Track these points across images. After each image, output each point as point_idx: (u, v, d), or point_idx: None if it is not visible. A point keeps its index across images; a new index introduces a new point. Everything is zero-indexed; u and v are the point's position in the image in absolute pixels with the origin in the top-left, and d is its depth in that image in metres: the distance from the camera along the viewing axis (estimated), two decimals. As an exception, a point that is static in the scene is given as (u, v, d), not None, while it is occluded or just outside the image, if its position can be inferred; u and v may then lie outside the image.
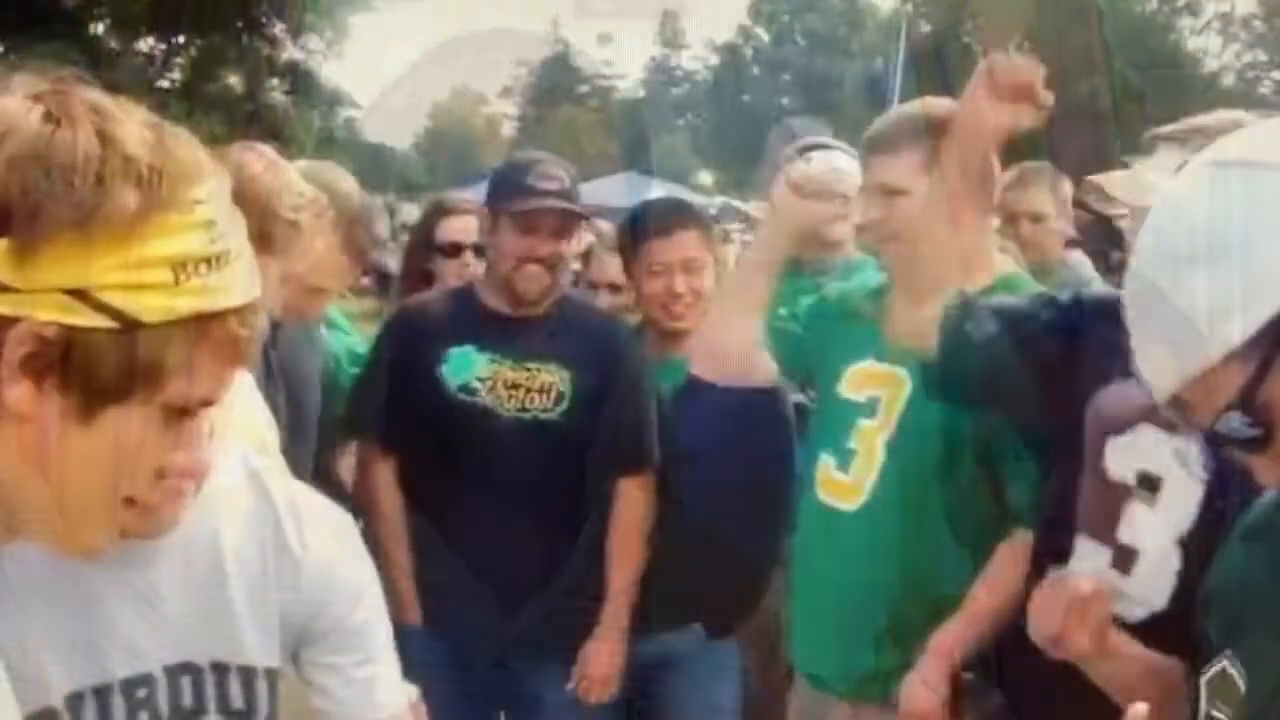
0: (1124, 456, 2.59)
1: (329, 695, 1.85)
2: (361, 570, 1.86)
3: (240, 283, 1.44)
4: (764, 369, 3.34)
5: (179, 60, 26.72)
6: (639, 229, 3.97)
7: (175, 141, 1.41)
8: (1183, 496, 2.52)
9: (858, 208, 3.94)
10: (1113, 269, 6.75)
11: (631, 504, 3.81)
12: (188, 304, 1.38)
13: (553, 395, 3.75)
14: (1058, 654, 1.95)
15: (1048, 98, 2.61)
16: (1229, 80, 61.48)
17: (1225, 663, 1.55)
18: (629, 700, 3.90)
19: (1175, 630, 2.11)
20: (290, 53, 27.23)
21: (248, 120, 25.59)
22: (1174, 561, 2.52)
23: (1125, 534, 2.60)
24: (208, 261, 1.39)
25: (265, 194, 2.81)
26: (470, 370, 3.75)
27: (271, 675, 1.78)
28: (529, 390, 3.74)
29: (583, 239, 5.24)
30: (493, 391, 3.73)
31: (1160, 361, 1.42)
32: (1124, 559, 2.59)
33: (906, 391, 3.15)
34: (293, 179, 2.95)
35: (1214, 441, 1.41)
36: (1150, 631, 2.21)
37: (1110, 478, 2.61)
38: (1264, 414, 1.34)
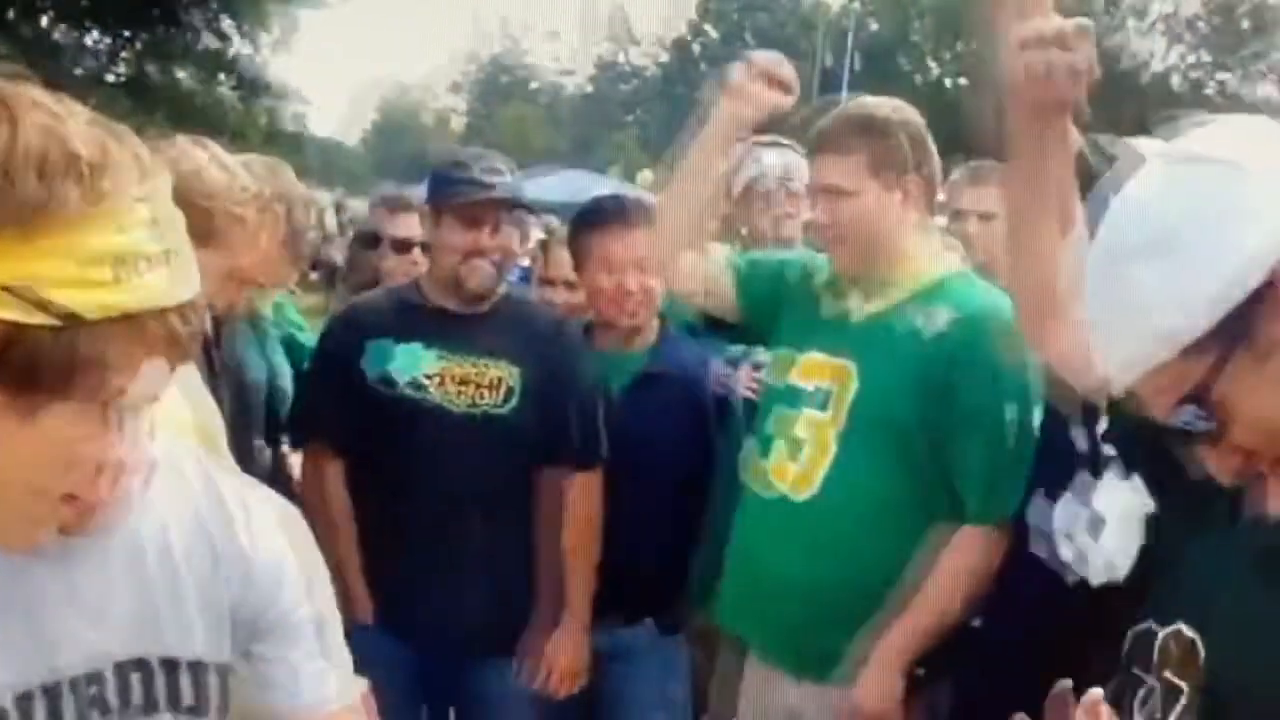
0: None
1: (280, 689, 1.84)
2: (311, 564, 1.86)
3: (181, 280, 1.45)
4: (692, 277, 3.43)
5: (125, 55, 26.50)
6: (589, 226, 3.97)
7: (117, 139, 1.42)
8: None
9: (806, 206, 3.97)
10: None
11: (584, 499, 3.82)
12: (128, 301, 1.39)
13: (502, 391, 3.74)
14: None
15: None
16: (1176, 81, 61.93)
17: (1182, 627, 1.56)
18: (580, 694, 3.90)
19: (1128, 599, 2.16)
20: (238, 47, 27.06)
21: (195, 115, 25.43)
22: (1137, 537, 2.57)
23: (1099, 501, 2.68)
24: (149, 259, 1.40)
25: (210, 188, 2.80)
26: (418, 367, 3.74)
27: (222, 671, 1.77)
28: (479, 386, 3.74)
29: (531, 235, 5.23)
30: (441, 387, 3.72)
31: (1117, 355, 1.43)
32: (1093, 525, 2.68)
33: (855, 385, 3.17)
34: (237, 173, 2.94)
35: (1169, 434, 1.41)
36: (1106, 595, 2.24)
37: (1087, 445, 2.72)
38: (1218, 408, 1.36)
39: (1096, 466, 2.84)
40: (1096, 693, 1.36)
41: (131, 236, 1.39)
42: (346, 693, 1.89)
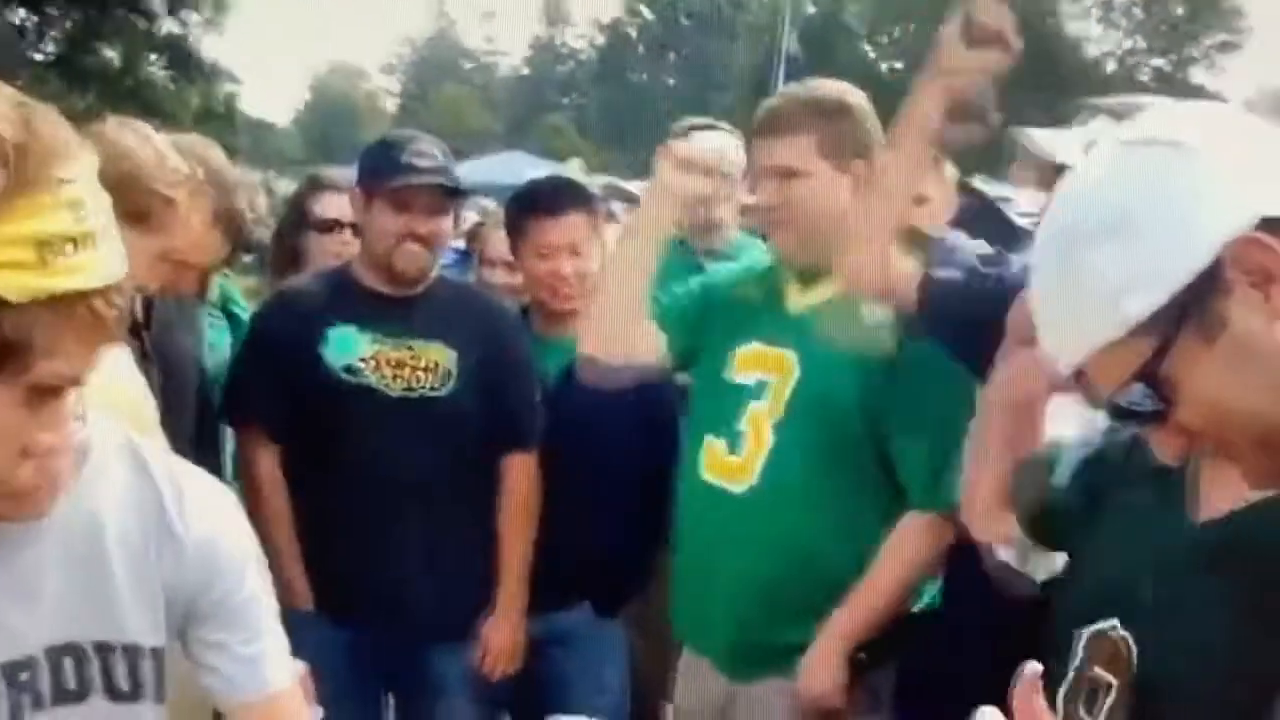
0: None
1: (217, 673, 1.84)
2: (245, 546, 1.85)
3: (107, 262, 1.44)
4: (650, 346, 3.33)
5: (54, 34, 26.27)
6: (525, 209, 3.96)
7: (42, 120, 1.41)
8: None
9: (745, 189, 3.96)
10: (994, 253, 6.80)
11: (520, 482, 3.82)
12: (54, 284, 1.38)
13: (439, 374, 3.73)
14: None
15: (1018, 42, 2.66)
16: (1110, 66, 62.37)
17: (1113, 625, 1.59)
18: (516, 678, 3.91)
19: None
20: (168, 26, 26.85)
21: (125, 95, 25.19)
22: None
23: None
24: (74, 241, 1.39)
25: (141, 170, 2.78)
26: (353, 351, 3.71)
27: (157, 655, 1.76)
28: (414, 369, 3.73)
29: (465, 217, 5.21)
30: (377, 371, 3.70)
31: (1065, 334, 1.44)
32: None
33: (795, 374, 3.17)
34: (169, 155, 2.91)
35: (1116, 414, 1.42)
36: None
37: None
38: (1165, 388, 1.36)
39: None
40: (1035, 667, 1.36)
41: (56, 218, 1.38)
42: (283, 676, 1.88)
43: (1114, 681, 1.71)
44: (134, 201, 2.65)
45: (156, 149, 2.88)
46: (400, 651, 3.78)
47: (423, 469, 3.70)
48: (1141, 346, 1.36)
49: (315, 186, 4.66)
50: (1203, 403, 1.35)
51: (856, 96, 3.25)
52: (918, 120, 2.74)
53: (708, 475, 3.24)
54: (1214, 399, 1.34)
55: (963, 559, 3.03)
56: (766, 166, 3.24)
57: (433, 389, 3.73)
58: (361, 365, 3.70)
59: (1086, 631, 1.61)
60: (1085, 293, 1.38)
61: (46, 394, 1.45)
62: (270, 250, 4.63)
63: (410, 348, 3.73)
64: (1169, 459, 1.52)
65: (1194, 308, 1.33)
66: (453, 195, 3.83)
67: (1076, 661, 1.67)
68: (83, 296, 1.41)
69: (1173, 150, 1.36)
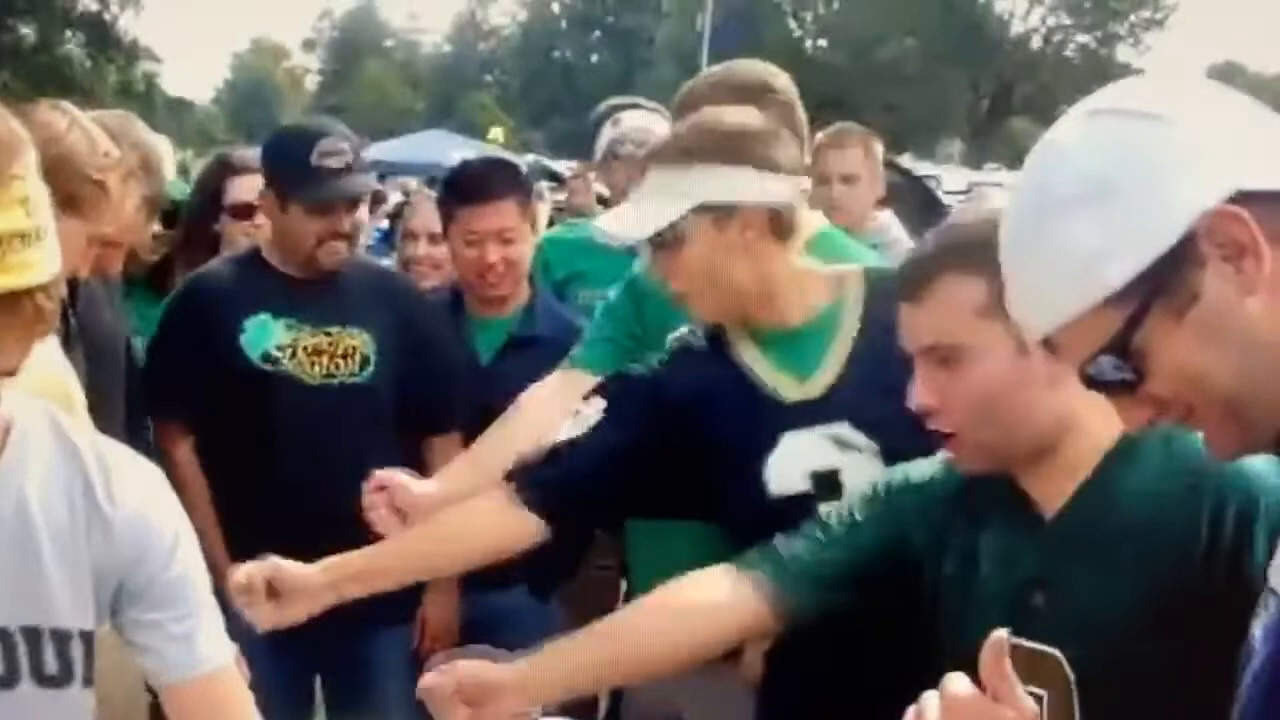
0: (784, 470, 2.59)
1: (152, 653, 1.82)
2: (174, 522, 1.84)
3: (50, 257, 1.43)
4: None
5: (-34, 11, 25.89)
6: (453, 194, 3.92)
7: None
8: (866, 473, 2.49)
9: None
10: (922, 228, 6.82)
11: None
12: (4, 281, 1.38)
13: (357, 359, 3.71)
14: None
15: None
16: (1036, 43, 62.98)
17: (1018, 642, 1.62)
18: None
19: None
20: (86, 3, 26.57)
21: (41, 72, 24.91)
22: None
23: None
24: (23, 237, 1.38)
25: (73, 155, 2.72)
26: (269, 339, 3.68)
27: (87, 638, 1.75)
28: (332, 356, 3.70)
29: (389, 196, 5.16)
30: (294, 358, 3.68)
31: (1036, 302, 1.44)
32: None
33: None
34: (99, 139, 2.85)
35: (1085, 383, 1.43)
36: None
37: (776, 494, 2.59)
38: (1136, 359, 1.37)
39: None
40: (1002, 633, 1.37)
41: (8, 216, 1.37)
42: (219, 654, 1.87)
43: (1043, 693, 1.82)
44: (66, 187, 2.58)
45: (87, 132, 2.83)
46: (329, 635, 3.72)
47: (348, 456, 3.59)
48: (1113, 317, 1.36)
49: (226, 169, 4.54)
50: (1173, 375, 1.36)
51: (781, 79, 3.21)
52: None
53: None
54: (1184, 371, 1.35)
55: None
56: None
57: (352, 375, 3.70)
58: (278, 354, 3.67)
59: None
60: (1058, 260, 1.38)
61: None
62: (182, 235, 4.51)
63: (328, 333, 3.70)
64: (1130, 428, 1.54)
65: (1167, 279, 1.34)
66: (367, 191, 3.80)
67: None
68: (29, 292, 1.40)
69: (1149, 121, 1.37)
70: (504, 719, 2.23)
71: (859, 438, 2.55)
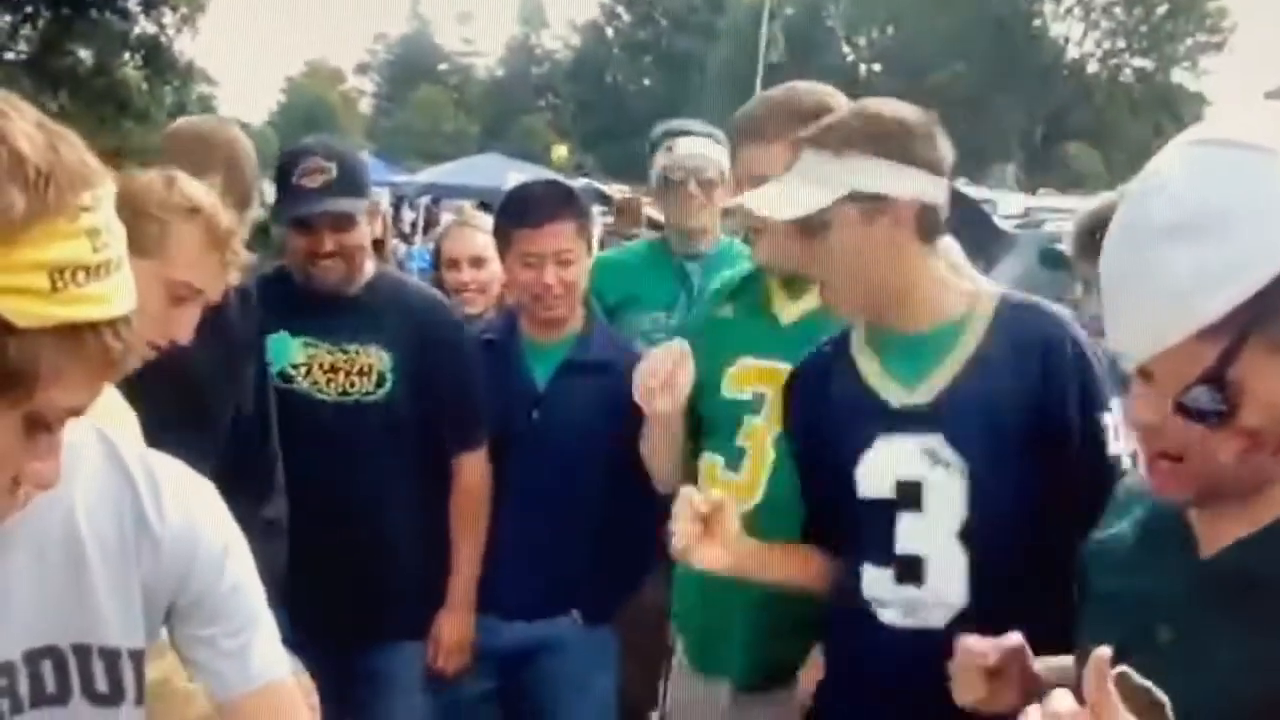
0: (873, 473, 2.61)
1: (205, 670, 1.81)
2: (224, 536, 1.82)
3: (118, 293, 1.42)
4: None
5: (26, 33, 26.18)
6: (511, 217, 3.90)
7: (65, 144, 1.39)
8: (947, 492, 2.54)
9: (726, 194, 3.88)
10: (978, 254, 6.77)
11: (469, 480, 3.83)
12: (64, 312, 1.36)
13: (374, 377, 3.72)
14: None
15: None
16: (1092, 67, 62.75)
17: (1128, 671, 1.57)
18: (501, 687, 3.90)
19: (984, 624, 2.18)
20: (143, 26, 26.80)
21: (98, 95, 25.14)
22: (960, 558, 2.54)
23: (903, 545, 2.60)
24: (88, 270, 1.37)
25: (133, 191, 2.64)
26: (286, 356, 3.71)
27: (136, 657, 1.73)
28: (349, 374, 3.72)
29: (444, 220, 5.18)
30: (309, 376, 3.71)
31: (1135, 332, 1.44)
32: (911, 570, 2.59)
33: None
34: (183, 185, 2.81)
35: (1180, 413, 1.42)
36: (959, 631, 2.20)
37: (863, 498, 2.62)
38: (1231, 391, 1.37)
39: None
40: (1106, 650, 1.36)
41: (72, 246, 1.36)
42: (274, 668, 1.85)
43: None
44: (128, 224, 2.55)
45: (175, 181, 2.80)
46: (348, 654, 3.74)
47: (364, 474, 3.69)
48: (1209, 348, 1.36)
49: None
50: (1265, 407, 1.36)
51: (837, 100, 3.17)
52: None
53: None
54: (1278, 405, 1.35)
55: None
56: (744, 174, 3.17)
57: (367, 394, 3.72)
58: (293, 372, 3.70)
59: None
60: (1158, 289, 1.38)
61: (44, 424, 1.43)
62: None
63: (345, 351, 3.73)
64: (1224, 461, 1.49)
65: (1264, 313, 1.33)
66: (368, 201, 3.79)
67: None
68: (93, 328, 1.39)
69: (1255, 154, 1.36)
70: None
71: (950, 454, 2.54)
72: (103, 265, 1.39)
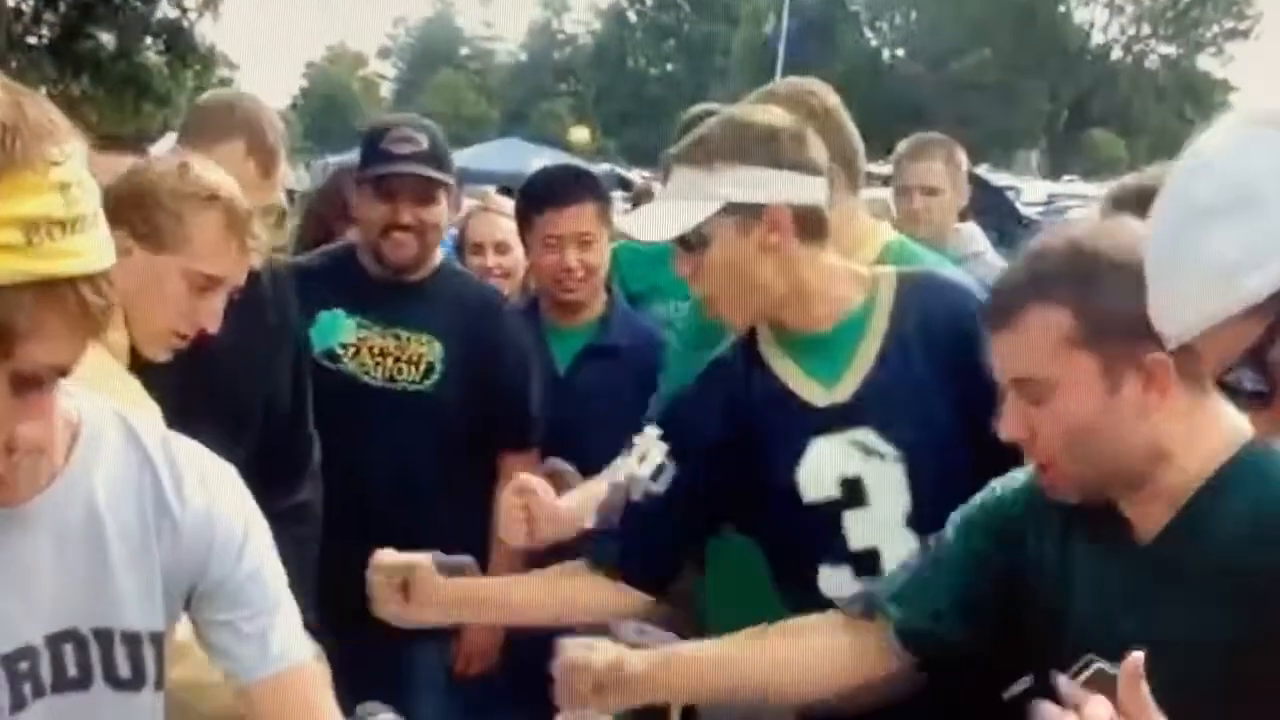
0: (815, 476, 2.59)
1: (226, 655, 1.81)
2: (245, 520, 1.82)
3: (94, 248, 1.43)
4: None
5: (49, 18, 26.21)
6: (533, 200, 3.91)
7: (30, 102, 1.40)
8: (887, 482, 2.54)
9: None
10: (1002, 240, 6.74)
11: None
12: (40, 266, 1.37)
13: (422, 367, 3.70)
14: None
15: None
16: (1117, 53, 62.47)
17: (1102, 665, 1.56)
18: (522, 678, 3.81)
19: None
20: (164, 10, 26.84)
21: (120, 79, 25.20)
22: (912, 542, 2.50)
23: (856, 542, 2.59)
24: (61, 225, 1.38)
25: (146, 184, 2.63)
26: (336, 335, 3.69)
27: (157, 640, 1.74)
28: (398, 360, 3.69)
29: (462, 204, 5.18)
30: (358, 358, 3.68)
31: (1178, 309, 1.45)
32: (867, 564, 2.57)
33: None
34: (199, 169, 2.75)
35: (1221, 391, 1.45)
36: None
37: (810, 502, 2.60)
38: (1273, 370, 1.37)
39: None
40: (1139, 656, 1.39)
41: (44, 200, 1.37)
42: (295, 651, 1.84)
43: None
44: (144, 217, 2.60)
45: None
46: (374, 647, 3.69)
47: (403, 464, 3.65)
48: (1252, 327, 1.36)
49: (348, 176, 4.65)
50: None
51: (832, 99, 3.14)
52: None
53: None
54: None
55: None
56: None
57: (413, 382, 3.69)
58: (342, 351, 3.67)
59: (1085, 674, 1.57)
60: (1202, 267, 1.38)
61: (31, 383, 1.43)
62: (301, 230, 4.66)
63: (398, 336, 3.70)
64: (1268, 438, 1.56)
65: None
66: (440, 184, 3.74)
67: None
68: (70, 282, 1.40)
69: None
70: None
71: (882, 444, 2.55)
72: (77, 220, 1.40)
